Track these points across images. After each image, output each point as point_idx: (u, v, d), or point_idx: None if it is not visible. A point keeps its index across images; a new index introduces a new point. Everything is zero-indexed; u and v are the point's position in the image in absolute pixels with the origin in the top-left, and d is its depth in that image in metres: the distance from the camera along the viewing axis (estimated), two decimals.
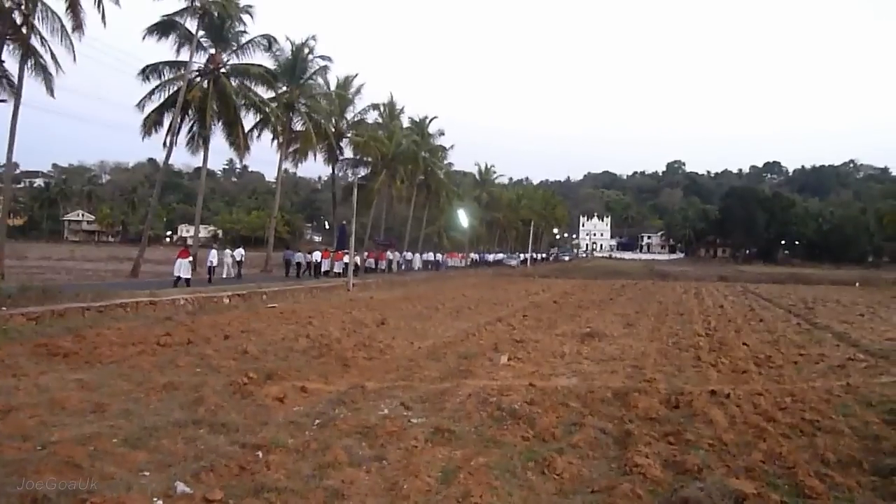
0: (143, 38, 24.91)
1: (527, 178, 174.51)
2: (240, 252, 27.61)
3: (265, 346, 10.72)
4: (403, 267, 40.18)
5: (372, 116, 40.92)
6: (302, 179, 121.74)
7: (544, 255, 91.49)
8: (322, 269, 30.15)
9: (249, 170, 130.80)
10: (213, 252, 24.35)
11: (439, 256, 48.85)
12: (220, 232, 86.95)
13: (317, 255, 30.95)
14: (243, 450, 5.25)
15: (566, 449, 5.64)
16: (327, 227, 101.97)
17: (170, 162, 29.39)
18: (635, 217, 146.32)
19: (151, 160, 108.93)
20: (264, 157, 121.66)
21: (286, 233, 79.71)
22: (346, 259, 31.40)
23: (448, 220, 56.35)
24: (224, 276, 25.58)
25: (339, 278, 27.49)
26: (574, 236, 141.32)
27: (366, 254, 35.76)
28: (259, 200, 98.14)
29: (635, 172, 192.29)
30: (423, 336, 12.92)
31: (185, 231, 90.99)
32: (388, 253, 38.39)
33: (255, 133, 30.95)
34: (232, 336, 11.64)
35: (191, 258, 20.99)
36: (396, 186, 42.86)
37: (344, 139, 38.03)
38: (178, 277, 19.82)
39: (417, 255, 45.13)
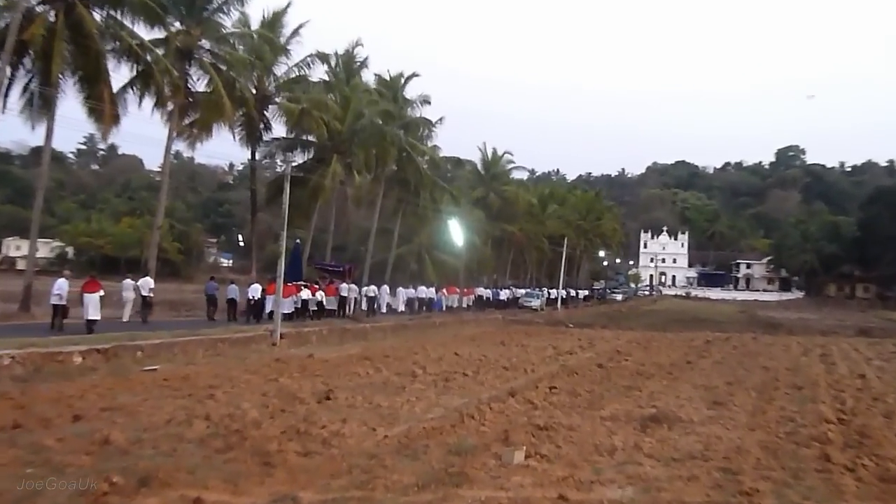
0: None
1: (557, 172, 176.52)
2: (147, 283, 27.80)
3: (139, 432, 10.63)
4: (368, 306, 39.99)
5: (319, 73, 41.36)
6: (204, 168, 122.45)
7: (586, 293, 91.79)
8: (266, 311, 30.08)
9: (120, 153, 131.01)
10: (63, 282, 24.15)
11: (431, 291, 48.23)
12: (70, 250, 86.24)
13: (255, 289, 30.81)
14: None
15: None
16: (241, 243, 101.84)
17: None
18: (727, 234, 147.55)
19: None
20: (145, 132, 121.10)
21: (177, 252, 79.25)
22: (303, 295, 31.84)
23: (434, 234, 56.25)
24: (125, 319, 26.46)
25: (287, 322, 27.61)
26: (632, 263, 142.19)
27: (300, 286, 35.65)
28: (135, 201, 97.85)
29: (727, 164, 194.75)
30: (391, 419, 12.88)
31: (15, 248, 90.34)
32: (344, 285, 38.25)
33: (131, 94, 31.03)
34: (86, 417, 11.54)
35: (102, 292, 22.49)
36: (354, 181, 42.90)
37: (271, 106, 38.25)
38: (92, 320, 21.93)
39: (400, 289, 44.54)
